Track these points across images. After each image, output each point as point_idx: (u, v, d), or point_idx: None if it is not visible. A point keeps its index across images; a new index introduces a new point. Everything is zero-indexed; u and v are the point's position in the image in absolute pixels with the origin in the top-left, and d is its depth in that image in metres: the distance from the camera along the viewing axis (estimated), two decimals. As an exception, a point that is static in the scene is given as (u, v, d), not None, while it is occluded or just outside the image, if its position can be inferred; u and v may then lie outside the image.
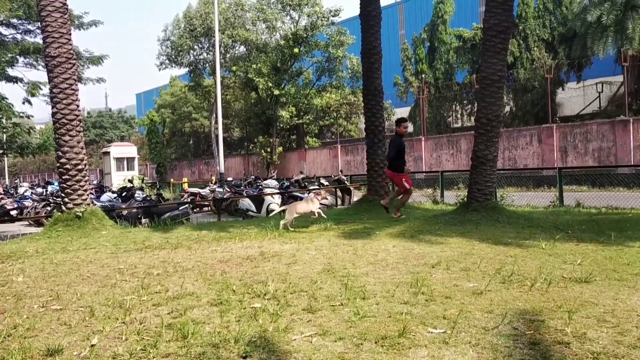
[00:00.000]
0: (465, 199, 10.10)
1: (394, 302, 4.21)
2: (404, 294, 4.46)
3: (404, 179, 10.40)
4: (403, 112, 35.81)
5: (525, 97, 28.65)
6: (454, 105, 33.80)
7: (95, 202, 14.49)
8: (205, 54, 36.84)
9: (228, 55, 35.86)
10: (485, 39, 9.76)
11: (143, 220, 13.40)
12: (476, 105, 10.96)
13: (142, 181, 29.36)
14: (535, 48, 28.58)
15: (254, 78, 31.75)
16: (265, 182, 20.25)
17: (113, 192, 18.58)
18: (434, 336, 3.42)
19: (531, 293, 4.30)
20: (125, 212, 13.65)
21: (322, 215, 9.48)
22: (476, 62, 29.82)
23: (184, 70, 39.67)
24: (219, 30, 30.15)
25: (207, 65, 37.00)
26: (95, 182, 33.22)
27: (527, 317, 3.71)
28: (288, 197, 16.04)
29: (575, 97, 30.47)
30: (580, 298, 4.10)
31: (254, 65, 31.93)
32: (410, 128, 35.59)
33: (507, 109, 30.42)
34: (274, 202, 15.57)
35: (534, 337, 3.32)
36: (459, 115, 34.28)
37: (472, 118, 27.78)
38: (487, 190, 9.61)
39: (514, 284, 4.63)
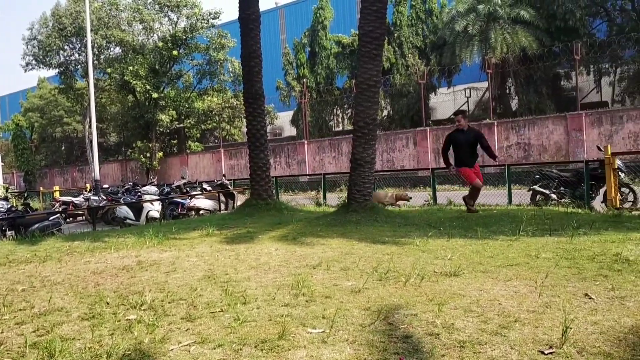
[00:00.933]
0: (346, 200, 10.38)
1: (275, 305, 4.22)
2: (285, 296, 4.47)
3: (467, 173, 10.00)
4: (286, 116, 36.21)
5: (402, 102, 29.99)
6: (335, 110, 34.63)
7: (-49, 214, 13.21)
8: (77, 55, 34.88)
9: (102, 57, 34.17)
10: (360, 45, 10.09)
11: (8, 233, 12.36)
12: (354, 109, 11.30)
13: (7, 190, 27.13)
14: (409, 55, 30.03)
15: (131, 80, 30.52)
16: (144, 188, 19.49)
17: (-28, 204, 16.97)
18: (313, 336, 3.46)
19: (405, 288, 4.48)
20: (-14, 225, 12.51)
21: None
22: (355, 68, 30.75)
23: (53, 72, 37.29)
24: (92, 30, 28.68)
25: (79, 66, 35.04)
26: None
27: (402, 311, 3.87)
28: (169, 203, 15.56)
29: (446, 102, 32.43)
30: (450, 291, 4.35)
31: (131, 67, 30.70)
32: (293, 132, 36.08)
33: (385, 113, 31.73)
34: (153, 209, 15.03)
35: (407, 330, 3.47)
36: (340, 119, 35.16)
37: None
38: (366, 191, 9.95)
39: (390, 280, 4.81)
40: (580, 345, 3.06)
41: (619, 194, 10.48)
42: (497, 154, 9.92)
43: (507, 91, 29.51)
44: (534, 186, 12.52)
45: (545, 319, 3.53)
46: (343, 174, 20.05)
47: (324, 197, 16.36)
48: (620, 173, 10.67)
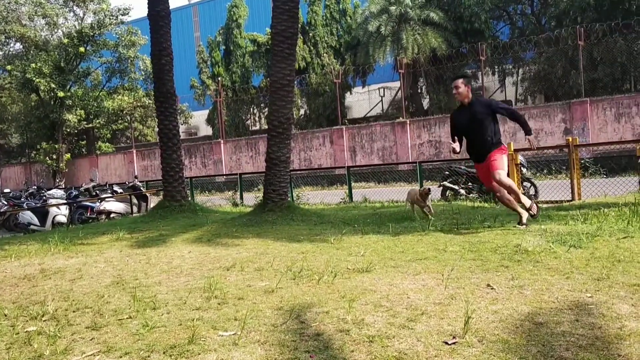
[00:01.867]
0: (262, 200, 10.34)
1: (186, 309, 4.12)
2: (197, 299, 4.39)
3: (479, 175, 7.50)
4: (201, 115, 35.59)
5: (318, 101, 30.27)
6: (251, 109, 34.43)
7: None
8: (-28, 51, 32.59)
9: (1, 53, 32.15)
10: (273, 44, 10.07)
11: None
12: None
13: None
14: (325, 54, 30.35)
15: (34, 78, 28.89)
16: (50, 192, 18.52)
17: None
18: (224, 339, 3.42)
19: (318, 286, 4.52)
20: None
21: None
22: (270, 67, 30.71)
23: (-55, 68, 34.59)
24: (-11, 24, 26.92)
25: (-25, 63, 32.76)
26: None
27: (314, 309, 3.89)
28: (77, 207, 14.87)
29: (361, 101, 33.08)
30: (361, 287, 4.42)
31: (33, 65, 29.06)
32: (209, 131, 35.50)
33: (302, 112, 31.92)
34: (60, 213, 14.32)
35: (318, 328, 3.49)
36: (256, 118, 35.00)
37: (269, 121, 28.57)
38: (282, 191, 9.95)
39: (304, 279, 4.83)
40: (481, 334, 3.20)
41: (521, 188, 11.08)
42: (529, 127, 6.92)
43: (419, 90, 30.51)
44: (444, 182, 13.01)
45: (450, 311, 3.67)
46: (260, 174, 19.93)
47: (241, 198, 16.23)
48: (522, 168, 11.28)
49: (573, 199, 10.31)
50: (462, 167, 13.38)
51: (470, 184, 12.70)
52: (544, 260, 4.88)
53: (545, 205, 9.88)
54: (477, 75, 28.67)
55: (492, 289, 4.14)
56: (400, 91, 27.94)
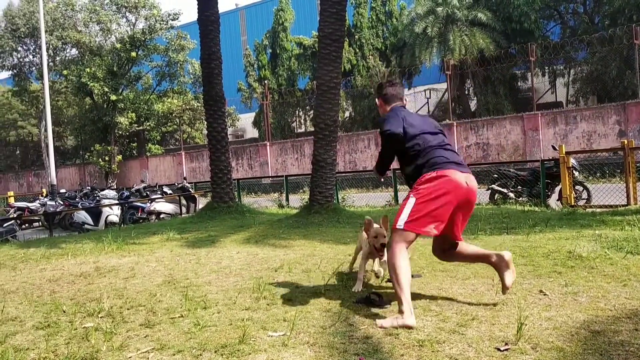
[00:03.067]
0: (308, 202, 10.39)
1: (236, 309, 4.19)
2: (246, 299, 4.45)
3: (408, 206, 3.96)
4: (248, 117, 36.03)
5: (363, 103, 30.21)
6: (297, 111, 34.64)
7: None
8: (31, 57, 33.97)
9: (58, 58, 33.37)
10: (320, 47, 10.12)
11: (-42, 241, 11.96)
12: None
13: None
14: (370, 56, 30.26)
15: (88, 82, 29.88)
16: (103, 192, 19.11)
17: None
18: (273, 339, 3.45)
19: (366, 289, 4.51)
20: None
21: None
22: (316, 69, 30.84)
23: (6, 74, 36.18)
24: (47, 31, 28.00)
25: (33, 68, 34.10)
26: None
27: (362, 312, 3.89)
28: (128, 208, 15.30)
29: (407, 103, 32.76)
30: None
31: (88, 69, 30.06)
32: (255, 133, 35.92)
33: (347, 114, 31.91)
34: (113, 213, 14.75)
35: (367, 331, 3.49)
36: (302, 121, 35.20)
37: (315, 123, 28.70)
38: (328, 193, 9.98)
39: (351, 282, 4.83)
40: (534, 341, 3.13)
41: (573, 192, 10.78)
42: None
43: (466, 92, 30.07)
44: (493, 185, 12.78)
45: (502, 316, 3.61)
46: (305, 176, 20.05)
47: (287, 199, 16.34)
48: (574, 172, 10.98)
49: (628, 203, 9.96)
50: (511, 170, 13.12)
51: (519, 187, 12.44)
52: (599, 267, 4.74)
53: (599, 210, 9.59)
54: (526, 76, 28.05)
55: (545, 295, 4.05)
56: (446, 93, 27.61)
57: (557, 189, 11.60)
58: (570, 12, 28.39)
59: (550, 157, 13.78)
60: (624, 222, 7.01)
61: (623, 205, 9.92)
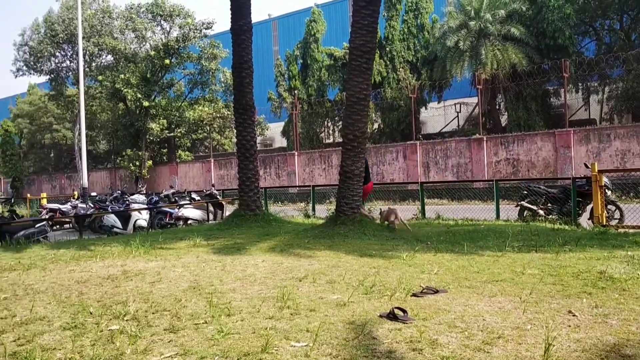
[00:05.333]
0: (334, 212, 10.37)
1: (259, 318, 4.19)
2: (270, 308, 4.45)
3: None
4: (277, 126, 36.24)
5: (392, 115, 30.11)
6: (326, 122, 34.70)
7: None
8: (68, 62, 34.78)
9: (94, 64, 34.09)
10: (351, 58, 10.13)
11: (-7, 240, 12.23)
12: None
13: (-7, 197, 26.89)
14: (400, 69, 30.19)
15: (122, 88, 30.45)
16: (133, 197, 19.38)
17: (-43, 209, 16.81)
18: (296, 350, 3.44)
19: (391, 303, 4.47)
20: (-30, 231, 12.37)
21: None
22: (346, 81, 30.86)
23: (44, 78, 37.13)
24: (84, 37, 28.64)
25: (70, 73, 34.91)
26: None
27: (386, 326, 3.86)
28: (157, 213, 15.48)
29: (437, 116, 32.61)
30: (435, 306, 4.35)
31: (122, 75, 30.65)
32: (284, 143, 36.10)
33: (376, 126, 31.84)
34: (141, 217, 14.94)
35: (391, 345, 3.46)
36: (330, 131, 35.24)
37: (343, 134, 28.72)
38: (354, 204, 9.94)
39: (376, 294, 4.80)
40: (562, 362, 3.06)
41: (605, 211, 10.55)
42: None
43: (497, 107, 29.75)
44: (522, 202, 12.58)
45: (529, 336, 3.54)
46: (332, 186, 20.05)
47: (313, 209, 16.35)
48: (607, 190, 10.75)
49: (663, 224, 9.70)
50: (541, 187, 12.91)
51: (549, 204, 12.22)
52: (631, 289, 4.62)
53: (632, 230, 9.36)
54: (559, 93, 27.64)
55: (574, 315, 3.96)
56: (477, 107, 27.36)
57: (589, 207, 11.35)
58: (606, 29, 27.91)
59: (582, 175, 13.51)
60: (658, 243, 6.83)
61: (657, 227, 9.68)
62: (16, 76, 35.57)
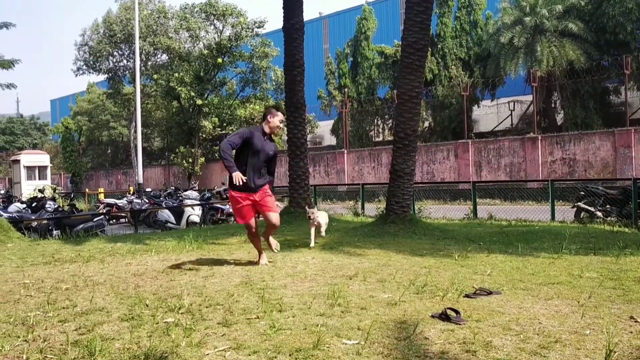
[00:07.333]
0: (384, 211, 10.32)
1: (310, 314, 4.22)
2: (321, 305, 4.47)
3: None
4: (327, 124, 36.32)
5: (443, 113, 29.73)
6: (375, 120, 34.55)
7: (1, 212, 13.74)
8: (125, 61, 35.80)
9: (149, 63, 35.00)
10: (403, 56, 10.04)
11: (54, 232, 12.77)
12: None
13: (54, 191, 27.98)
14: (452, 66, 29.76)
15: (176, 87, 31.15)
16: (186, 193, 19.84)
17: (22, 203, 17.61)
18: (347, 347, 3.45)
19: (443, 303, 4.42)
20: (34, 224, 12.95)
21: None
22: (397, 78, 30.61)
23: (102, 77, 38.37)
24: (140, 37, 29.43)
25: (127, 72, 35.93)
26: (2, 191, 31.44)
27: (438, 327, 3.81)
28: (209, 209, 15.78)
29: (489, 115, 31.96)
30: (488, 307, 4.27)
31: (177, 74, 31.35)
32: (333, 141, 36.12)
33: (426, 124, 31.49)
34: (194, 213, 15.27)
35: (443, 346, 3.42)
36: (380, 130, 35.06)
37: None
38: (405, 203, 9.86)
39: (427, 294, 4.75)
40: (624, 369, 2.96)
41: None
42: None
43: (553, 105, 28.92)
44: (579, 203, 12.22)
45: (588, 341, 3.43)
46: (382, 185, 19.94)
47: (362, 208, 16.31)
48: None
49: None
50: (600, 188, 12.49)
51: (608, 206, 11.81)
52: (697, 296, 4.41)
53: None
54: (619, 90, 26.62)
55: (636, 321, 3.81)
56: (532, 105, 26.67)
57: (651, 209, 10.91)
58: (671, 23, 26.71)
59: (644, 176, 12.99)
60: None
61: None
62: (76, 75, 36.83)
